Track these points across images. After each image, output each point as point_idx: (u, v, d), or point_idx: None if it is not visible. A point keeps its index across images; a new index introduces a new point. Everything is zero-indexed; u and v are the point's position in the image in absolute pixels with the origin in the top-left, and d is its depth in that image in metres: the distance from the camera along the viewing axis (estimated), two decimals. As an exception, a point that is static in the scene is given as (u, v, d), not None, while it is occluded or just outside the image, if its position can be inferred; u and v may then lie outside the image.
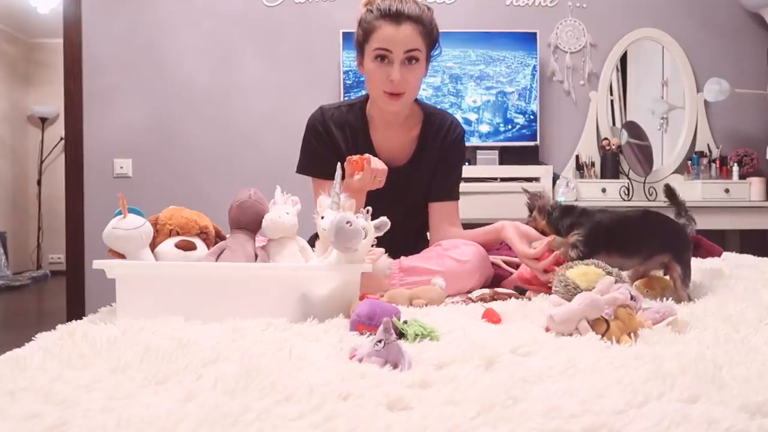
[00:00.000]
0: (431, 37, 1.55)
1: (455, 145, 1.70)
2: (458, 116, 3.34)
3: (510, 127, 3.55)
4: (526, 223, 1.40)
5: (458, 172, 1.73)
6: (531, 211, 1.37)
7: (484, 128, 3.55)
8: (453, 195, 1.71)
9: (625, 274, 1.23)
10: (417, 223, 1.74)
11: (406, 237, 1.61)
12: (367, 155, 1.42)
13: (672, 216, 1.33)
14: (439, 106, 2.07)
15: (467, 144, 3.48)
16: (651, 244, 1.26)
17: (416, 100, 1.68)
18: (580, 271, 1.13)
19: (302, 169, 1.69)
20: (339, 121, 1.66)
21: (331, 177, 1.23)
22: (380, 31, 1.50)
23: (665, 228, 1.28)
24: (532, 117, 3.54)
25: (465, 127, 1.78)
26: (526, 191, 1.38)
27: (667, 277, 1.28)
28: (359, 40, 1.56)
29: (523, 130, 3.54)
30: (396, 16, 1.49)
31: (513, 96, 3.55)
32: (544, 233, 1.35)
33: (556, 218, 1.30)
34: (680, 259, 1.24)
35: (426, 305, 1.18)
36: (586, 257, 1.21)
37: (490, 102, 3.55)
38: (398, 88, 1.52)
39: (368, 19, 1.52)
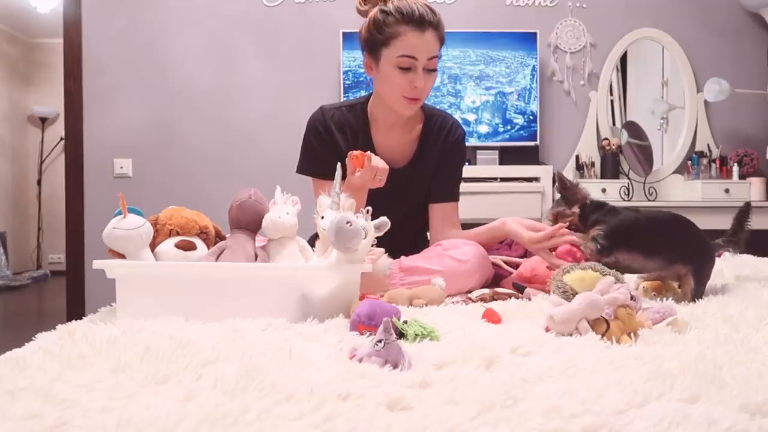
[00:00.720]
0: (443, 41, 1.56)
1: (456, 147, 1.70)
2: (457, 117, 3.34)
3: (509, 127, 3.54)
4: (556, 212, 1.37)
5: (459, 174, 1.73)
6: (565, 200, 1.34)
7: (483, 129, 3.54)
8: (453, 196, 1.71)
9: (634, 280, 1.22)
10: (417, 223, 1.74)
11: (406, 237, 1.61)
12: (368, 152, 1.42)
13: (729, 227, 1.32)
14: (438, 107, 2.08)
15: (467, 144, 3.49)
16: (672, 250, 1.23)
17: None
18: (577, 276, 1.12)
19: (302, 169, 1.69)
20: (339, 121, 1.66)
21: (332, 177, 1.23)
22: (405, 37, 1.47)
23: (690, 238, 1.25)
24: (531, 117, 3.54)
25: (464, 127, 1.78)
26: (562, 179, 1.34)
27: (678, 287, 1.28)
28: (376, 42, 1.52)
29: (522, 131, 3.54)
30: (420, 23, 1.47)
31: (512, 96, 3.54)
32: (569, 228, 1.33)
33: (587, 212, 1.30)
34: (697, 275, 1.22)
35: (426, 305, 1.18)
36: (604, 251, 1.22)
37: (489, 102, 3.55)
38: (418, 94, 1.53)
39: (389, 22, 1.48)
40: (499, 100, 3.54)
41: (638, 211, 1.29)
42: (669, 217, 1.29)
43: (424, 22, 1.47)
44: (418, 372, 0.71)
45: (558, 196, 1.38)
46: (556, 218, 1.35)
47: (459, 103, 3.54)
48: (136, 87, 3.54)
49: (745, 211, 1.32)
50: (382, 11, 1.50)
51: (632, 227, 1.24)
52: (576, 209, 1.32)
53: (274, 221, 1.16)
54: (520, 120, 3.54)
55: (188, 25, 3.56)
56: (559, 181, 1.35)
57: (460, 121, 1.77)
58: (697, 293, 1.21)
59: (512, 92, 3.54)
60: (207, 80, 3.56)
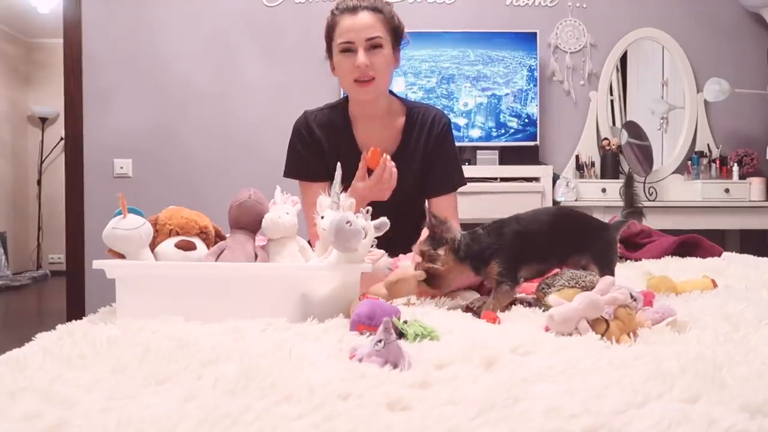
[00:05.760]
0: (392, 25, 1.60)
1: (442, 137, 1.70)
2: (452, 118, 3.32)
3: (503, 131, 3.53)
4: (423, 251, 1.17)
5: (452, 162, 1.72)
6: (435, 243, 1.16)
7: (476, 133, 3.53)
8: (448, 187, 1.70)
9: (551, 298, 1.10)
10: (411, 217, 1.73)
11: (400, 232, 1.60)
12: (385, 155, 1.44)
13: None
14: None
15: (465, 144, 3.48)
16: (565, 245, 1.19)
17: (397, 97, 1.72)
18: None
19: (289, 172, 1.73)
20: (322, 122, 1.70)
21: (318, 179, 1.23)
22: (340, 24, 1.58)
23: (578, 227, 1.21)
24: (527, 121, 3.53)
25: (456, 132, 1.77)
26: (429, 213, 1.18)
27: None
28: (327, 42, 1.64)
29: (518, 135, 3.53)
30: (352, 8, 1.57)
31: (508, 98, 3.53)
32: (435, 278, 1.16)
33: (465, 253, 1.14)
34: (599, 261, 1.18)
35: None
36: (516, 282, 1.14)
37: (483, 105, 3.53)
38: (365, 74, 1.56)
39: (329, 19, 1.62)
40: (493, 102, 3.53)
41: (518, 219, 1.18)
42: (551, 214, 1.24)
43: (357, 7, 1.57)
44: (418, 372, 0.71)
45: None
46: (423, 255, 1.18)
47: (452, 105, 3.52)
48: (136, 87, 3.54)
49: (629, 181, 1.29)
50: (331, 12, 1.62)
51: (522, 240, 1.14)
52: (442, 252, 1.15)
53: (274, 221, 1.16)
54: (514, 123, 3.53)
55: (188, 25, 3.55)
56: (428, 220, 1.18)
57: (452, 123, 1.77)
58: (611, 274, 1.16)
59: (508, 94, 3.53)
60: (207, 80, 3.56)
